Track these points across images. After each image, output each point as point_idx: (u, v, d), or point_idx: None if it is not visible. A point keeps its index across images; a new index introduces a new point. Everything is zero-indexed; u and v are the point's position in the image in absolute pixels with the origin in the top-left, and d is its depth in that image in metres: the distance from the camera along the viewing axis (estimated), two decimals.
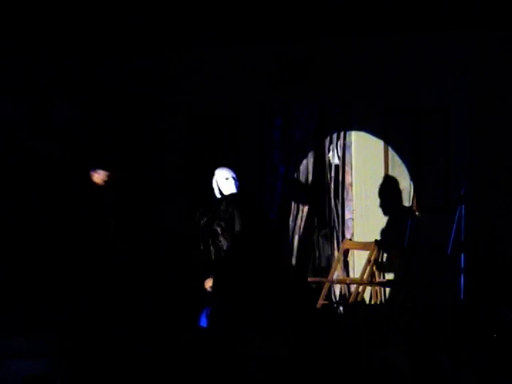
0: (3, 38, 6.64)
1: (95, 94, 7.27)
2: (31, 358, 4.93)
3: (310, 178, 7.27)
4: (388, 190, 6.87)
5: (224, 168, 6.02)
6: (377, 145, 6.96)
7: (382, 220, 6.88)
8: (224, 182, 5.91)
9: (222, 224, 5.77)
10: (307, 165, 7.25)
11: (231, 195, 5.88)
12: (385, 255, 6.91)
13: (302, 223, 7.30)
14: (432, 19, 6.42)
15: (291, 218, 7.34)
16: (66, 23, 6.36)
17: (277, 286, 6.19)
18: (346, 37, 6.87)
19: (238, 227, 5.77)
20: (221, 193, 5.91)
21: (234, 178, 5.91)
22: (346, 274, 7.11)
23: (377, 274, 6.76)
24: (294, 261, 7.30)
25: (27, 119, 7.35)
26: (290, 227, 7.34)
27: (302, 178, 7.29)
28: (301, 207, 7.33)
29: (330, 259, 7.26)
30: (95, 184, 6.26)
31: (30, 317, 6.16)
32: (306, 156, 7.26)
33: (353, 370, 4.77)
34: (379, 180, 6.93)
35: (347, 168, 7.10)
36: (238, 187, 5.92)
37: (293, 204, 7.34)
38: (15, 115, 7.36)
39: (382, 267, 6.85)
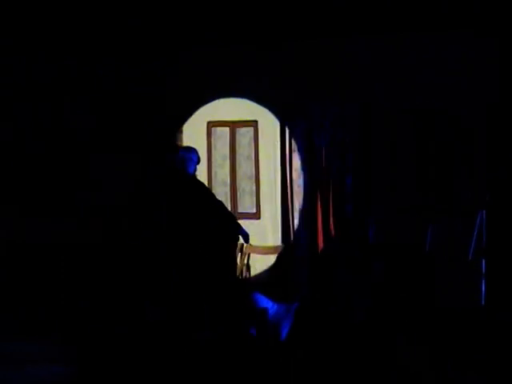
0: (3, 38, 6.64)
1: (95, 93, 7.27)
2: (47, 363, 4.95)
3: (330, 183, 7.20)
4: (400, 194, 6.79)
5: (186, 148, 6.07)
6: (377, 145, 6.96)
7: (399, 224, 6.75)
8: (180, 161, 5.91)
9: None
10: (326, 169, 7.13)
11: (181, 173, 5.88)
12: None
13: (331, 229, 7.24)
14: (432, 19, 6.43)
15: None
16: (65, 23, 6.36)
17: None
18: (346, 37, 6.88)
19: (178, 202, 5.80)
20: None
21: (191, 159, 5.91)
22: None
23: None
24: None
25: (27, 119, 7.36)
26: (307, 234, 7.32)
27: (323, 183, 7.18)
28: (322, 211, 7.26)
29: None
30: None
31: (44, 321, 6.17)
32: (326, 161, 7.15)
33: (355, 370, 4.78)
34: (385, 183, 6.89)
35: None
36: (193, 170, 5.93)
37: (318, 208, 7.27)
38: (15, 115, 7.37)
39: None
